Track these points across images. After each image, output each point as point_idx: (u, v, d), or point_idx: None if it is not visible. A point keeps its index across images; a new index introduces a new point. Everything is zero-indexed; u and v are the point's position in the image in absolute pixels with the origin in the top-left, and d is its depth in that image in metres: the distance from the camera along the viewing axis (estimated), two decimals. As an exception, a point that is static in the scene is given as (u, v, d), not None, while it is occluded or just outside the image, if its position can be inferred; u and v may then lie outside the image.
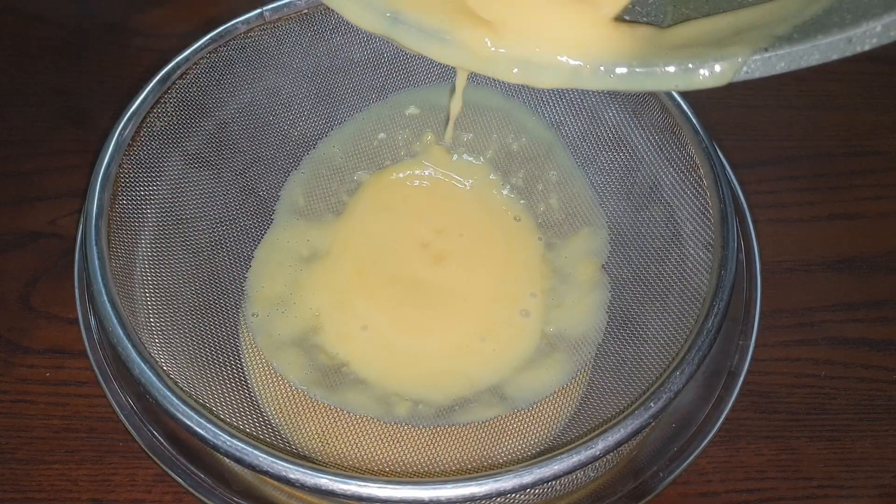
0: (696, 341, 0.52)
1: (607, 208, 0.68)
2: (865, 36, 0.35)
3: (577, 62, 0.40)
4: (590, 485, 0.56)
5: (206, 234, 0.65)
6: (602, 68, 0.40)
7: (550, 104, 0.71)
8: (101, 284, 0.53)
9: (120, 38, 0.86)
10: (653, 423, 0.50)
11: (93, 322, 0.60)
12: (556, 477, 0.47)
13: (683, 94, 0.62)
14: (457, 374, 0.62)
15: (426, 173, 0.72)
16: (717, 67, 0.37)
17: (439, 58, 0.44)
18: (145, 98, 0.60)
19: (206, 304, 0.63)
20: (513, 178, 0.71)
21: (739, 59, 0.37)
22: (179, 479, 0.55)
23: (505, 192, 0.71)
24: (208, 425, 0.48)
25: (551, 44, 0.41)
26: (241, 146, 0.68)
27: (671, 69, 0.38)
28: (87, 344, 0.60)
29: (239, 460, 0.47)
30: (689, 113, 0.61)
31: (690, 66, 0.38)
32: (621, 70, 0.39)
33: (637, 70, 0.39)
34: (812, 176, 0.79)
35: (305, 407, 0.59)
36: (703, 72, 0.38)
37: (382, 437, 0.58)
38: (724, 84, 0.38)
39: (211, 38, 0.63)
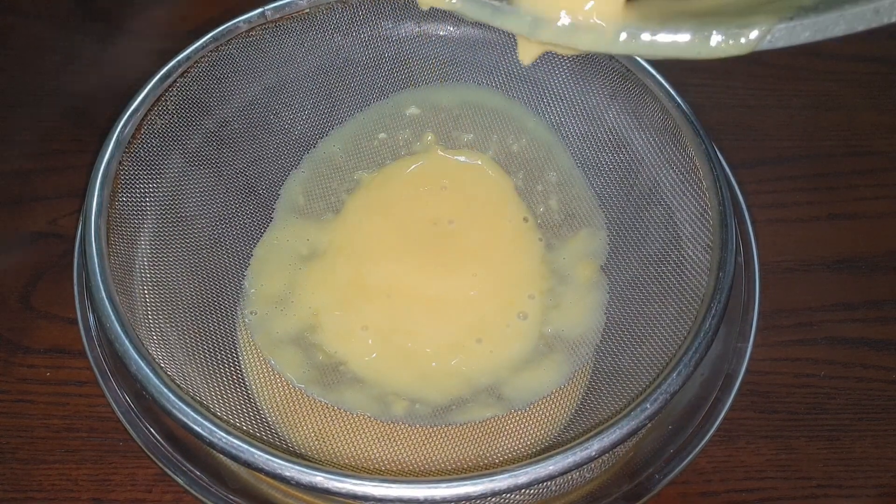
0: (693, 343, 0.52)
1: (607, 209, 0.68)
2: (893, 7, 0.35)
3: (599, 25, 0.40)
4: (586, 486, 0.56)
5: (205, 232, 0.65)
6: (624, 33, 0.39)
7: (551, 105, 0.71)
8: (100, 281, 0.53)
9: (120, 38, 0.86)
10: (649, 425, 0.50)
11: (92, 321, 0.60)
12: (552, 477, 0.47)
13: (683, 95, 0.62)
14: (454, 374, 0.62)
15: (426, 173, 0.72)
16: (741, 35, 0.37)
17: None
18: (146, 96, 0.60)
19: (204, 302, 0.63)
20: (513, 178, 0.71)
21: (763, 28, 0.37)
22: (176, 478, 0.55)
23: (509, 193, 0.71)
24: (204, 422, 0.48)
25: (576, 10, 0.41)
26: (241, 145, 0.68)
27: (693, 37, 0.38)
28: (85, 343, 0.60)
29: (235, 457, 0.47)
30: (688, 114, 0.61)
31: (714, 33, 0.37)
32: (642, 36, 0.39)
33: (658, 36, 0.39)
34: (812, 176, 0.79)
35: (302, 405, 0.59)
36: (727, 39, 0.37)
37: (379, 435, 0.58)
38: (747, 52, 0.37)
39: (212, 36, 0.63)
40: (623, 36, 0.40)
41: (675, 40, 0.38)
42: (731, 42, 0.37)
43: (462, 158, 0.72)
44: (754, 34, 0.37)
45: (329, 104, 0.71)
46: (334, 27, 0.68)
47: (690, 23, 0.39)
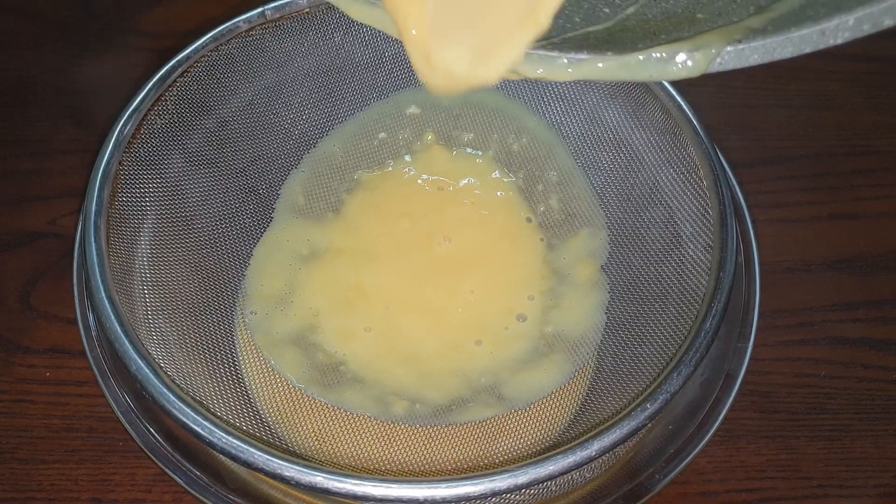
0: (693, 343, 0.52)
1: (607, 209, 0.68)
2: (838, 29, 0.35)
3: (548, 52, 0.40)
4: (586, 486, 0.56)
5: (205, 232, 0.65)
6: (577, 59, 0.39)
7: (551, 105, 0.71)
8: (100, 281, 0.53)
9: (120, 38, 0.86)
10: (650, 425, 0.50)
11: (92, 321, 0.60)
12: (552, 477, 0.47)
13: (683, 95, 0.62)
14: (454, 374, 0.62)
15: (426, 173, 0.72)
16: (690, 59, 0.37)
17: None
18: (146, 95, 0.60)
19: (204, 302, 0.63)
20: (513, 178, 0.71)
21: (713, 50, 0.37)
22: (176, 477, 0.55)
23: (509, 193, 0.71)
24: (204, 422, 0.48)
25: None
26: (241, 144, 0.68)
27: (644, 59, 0.38)
28: (85, 343, 0.60)
29: (234, 457, 0.47)
30: (689, 113, 0.61)
31: (664, 55, 0.38)
32: (594, 60, 0.39)
33: (610, 60, 0.39)
34: (812, 176, 0.79)
35: (302, 405, 0.59)
36: (678, 61, 0.38)
37: (379, 436, 0.58)
38: (698, 75, 0.38)
39: (212, 36, 0.63)
40: (574, 59, 0.40)
41: (627, 65, 0.39)
42: (680, 64, 0.38)
43: (462, 158, 0.72)
44: (704, 57, 0.37)
45: (329, 104, 0.71)
46: (334, 27, 0.68)
47: (640, 46, 0.39)
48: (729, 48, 0.37)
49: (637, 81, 0.39)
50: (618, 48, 0.39)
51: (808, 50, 0.36)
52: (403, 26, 0.38)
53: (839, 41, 0.36)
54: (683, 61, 0.37)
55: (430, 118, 0.72)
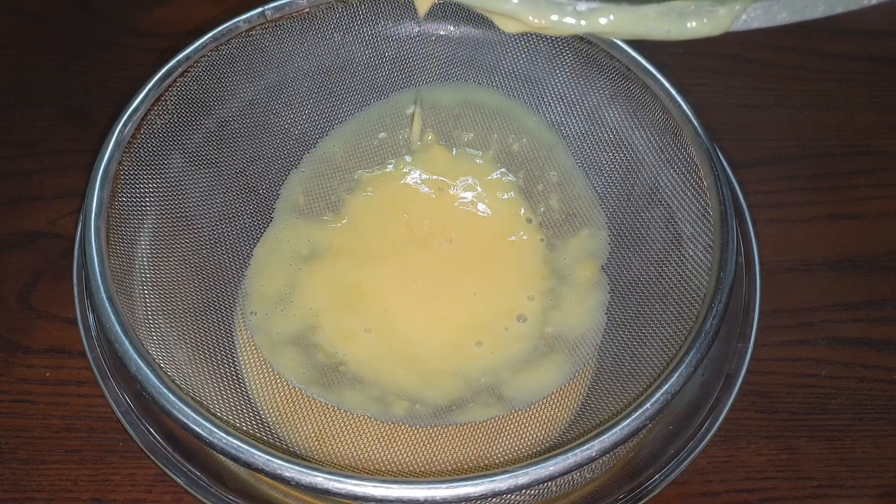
0: (693, 343, 0.52)
1: (607, 209, 0.68)
2: None
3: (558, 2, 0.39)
4: (587, 486, 0.56)
5: (205, 232, 0.65)
6: (587, 7, 0.38)
7: (551, 105, 0.71)
8: (100, 281, 0.53)
9: (120, 38, 0.86)
10: (650, 425, 0.50)
11: (92, 321, 0.60)
12: (552, 478, 0.47)
13: (684, 95, 0.62)
14: (455, 375, 0.62)
15: (426, 173, 0.72)
16: (714, 14, 0.36)
17: None
18: (146, 95, 0.60)
19: (204, 302, 0.63)
20: (513, 178, 0.71)
21: (738, 6, 0.36)
22: (176, 478, 0.55)
23: (510, 193, 0.71)
24: (204, 422, 0.48)
25: None
26: (241, 144, 0.68)
27: (663, 12, 0.37)
28: (85, 343, 0.60)
29: (234, 458, 0.47)
30: (689, 113, 0.61)
31: (685, 9, 0.36)
32: (607, 10, 0.38)
33: (625, 11, 0.37)
34: (812, 176, 0.79)
35: (302, 406, 0.59)
36: (701, 18, 0.36)
37: (379, 436, 0.58)
38: (721, 33, 0.36)
39: (212, 36, 0.63)
40: (583, 7, 0.38)
41: (644, 19, 0.37)
42: (704, 21, 0.36)
43: (463, 157, 0.72)
44: (729, 13, 0.36)
45: (329, 104, 0.71)
46: (334, 27, 0.68)
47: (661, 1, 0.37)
48: (756, 4, 0.36)
49: (653, 39, 0.37)
50: (633, 1, 0.38)
51: (839, 9, 0.35)
52: None
53: (874, 2, 0.34)
54: (707, 16, 0.36)
55: (431, 118, 0.72)
